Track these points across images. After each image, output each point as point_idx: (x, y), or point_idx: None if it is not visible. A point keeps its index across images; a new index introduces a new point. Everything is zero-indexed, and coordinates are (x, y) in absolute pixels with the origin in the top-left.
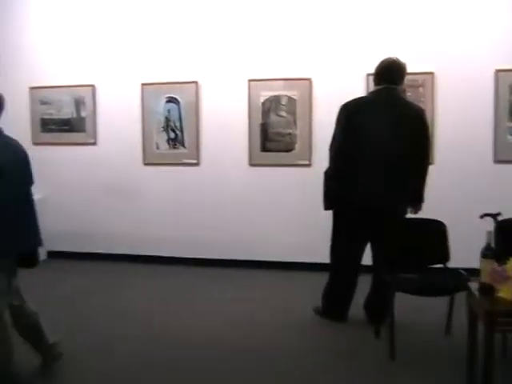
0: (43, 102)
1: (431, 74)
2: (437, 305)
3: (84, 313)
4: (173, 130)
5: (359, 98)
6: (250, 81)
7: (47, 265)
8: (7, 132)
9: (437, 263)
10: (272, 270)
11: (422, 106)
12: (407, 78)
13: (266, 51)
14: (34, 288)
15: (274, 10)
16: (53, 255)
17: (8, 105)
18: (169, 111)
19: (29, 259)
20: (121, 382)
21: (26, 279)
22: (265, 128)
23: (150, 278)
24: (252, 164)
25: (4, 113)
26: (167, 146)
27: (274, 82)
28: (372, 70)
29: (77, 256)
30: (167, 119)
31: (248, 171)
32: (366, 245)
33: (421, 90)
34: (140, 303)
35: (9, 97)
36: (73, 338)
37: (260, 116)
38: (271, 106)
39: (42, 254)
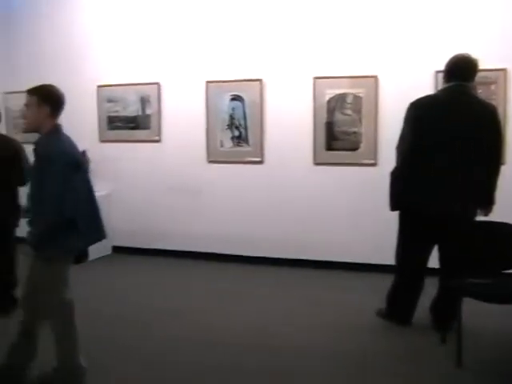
0: (110, 100)
1: (504, 70)
2: (507, 310)
3: (139, 309)
4: (237, 128)
5: (428, 96)
6: (315, 78)
7: (111, 259)
8: (77, 130)
9: (508, 268)
10: (337, 271)
11: (493, 103)
12: (478, 74)
13: (331, 48)
14: (96, 281)
15: (340, 6)
16: (117, 250)
17: (77, 103)
18: (233, 109)
19: (82, 254)
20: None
21: (89, 272)
22: (330, 126)
23: (212, 275)
24: (316, 163)
25: (73, 111)
26: (231, 144)
27: (340, 80)
28: (441, 67)
29: (140, 252)
30: (231, 117)
31: (312, 170)
32: (432, 247)
33: (493, 87)
34: (201, 301)
35: (77, 95)
36: (124, 336)
37: (325, 114)
38: (336, 104)
39: (107, 248)
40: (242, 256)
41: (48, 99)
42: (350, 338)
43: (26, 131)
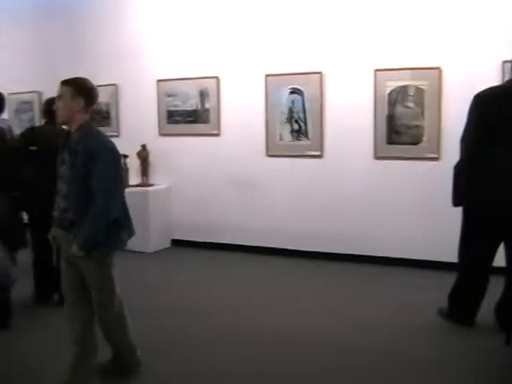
0: (169, 94)
1: None
2: None
3: (197, 301)
4: (296, 122)
5: (494, 88)
6: (375, 71)
7: (170, 252)
8: (138, 124)
9: None
10: (397, 267)
11: None
12: None
13: (392, 39)
14: (154, 274)
15: None
16: (176, 243)
17: (137, 98)
18: (292, 102)
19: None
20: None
21: (147, 265)
22: (391, 120)
23: (271, 270)
24: (377, 157)
25: (134, 105)
26: (291, 138)
27: (401, 72)
28: (508, 57)
29: (199, 245)
30: (291, 110)
31: (373, 164)
32: (498, 245)
33: None
34: (258, 297)
35: (138, 90)
36: (183, 326)
37: (386, 107)
38: (398, 96)
39: (167, 241)
40: (299, 251)
41: (82, 91)
42: (410, 337)
43: (60, 124)
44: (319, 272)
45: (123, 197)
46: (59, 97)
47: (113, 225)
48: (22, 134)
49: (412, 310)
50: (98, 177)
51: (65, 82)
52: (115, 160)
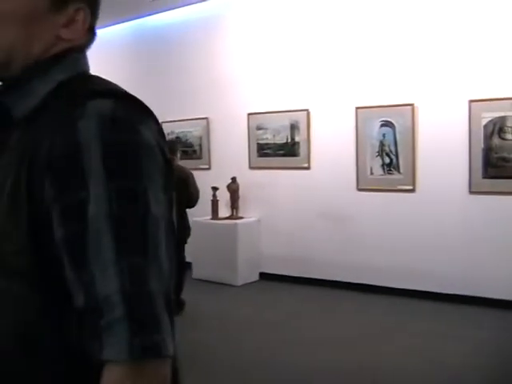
0: (259, 128)
1: None
2: None
3: (286, 338)
4: (387, 155)
5: None
6: (470, 101)
7: (258, 286)
8: (229, 157)
9: None
10: (483, 307)
11: None
12: None
13: (488, 69)
14: (244, 308)
15: (495, 25)
16: (264, 277)
17: (228, 131)
18: (383, 135)
19: None
20: None
21: (236, 298)
22: (487, 152)
23: (363, 307)
24: (472, 191)
25: (225, 138)
26: (382, 172)
27: (499, 102)
28: None
29: (287, 279)
30: (382, 143)
31: (468, 199)
32: None
33: None
34: (349, 333)
35: (229, 123)
36: (268, 365)
37: (482, 139)
38: (495, 128)
39: (255, 275)
40: (390, 288)
41: None
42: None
43: None
44: (415, 311)
45: None
46: None
47: None
48: None
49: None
50: None
51: None
52: None
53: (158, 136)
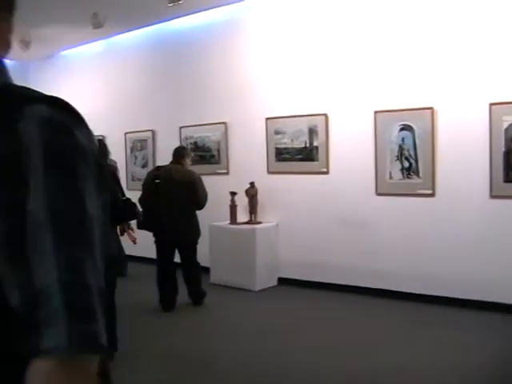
0: (278, 132)
1: None
2: None
3: (304, 344)
4: (407, 159)
5: None
6: (491, 105)
7: (277, 291)
8: (247, 161)
9: None
10: (499, 313)
11: None
12: None
13: (509, 70)
14: (263, 314)
15: (508, 26)
16: (282, 281)
17: (246, 135)
18: (403, 139)
19: None
20: None
21: (254, 303)
22: (508, 156)
23: (382, 312)
24: (493, 196)
25: (243, 143)
26: (401, 176)
27: None
28: None
29: (305, 284)
30: (401, 148)
31: (489, 204)
32: None
33: None
34: (365, 339)
35: (247, 127)
36: (286, 372)
37: (503, 143)
38: None
39: (273, 280)
40: (410, 293)
41: None
42: None
43: None
44: (435, 317)
45: None
46: None
47: None
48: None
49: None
50: None
51: None
52: None
53: (89, 140)
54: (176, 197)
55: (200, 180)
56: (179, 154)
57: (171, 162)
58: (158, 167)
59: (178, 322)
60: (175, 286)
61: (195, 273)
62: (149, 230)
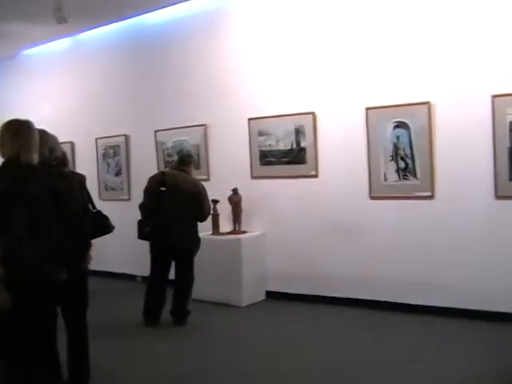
0: (261, 133)
1: None
2: None
3: (295, 363)
4: (402, 159)
5: None
6: (493, 97)
7: (265, 306)
8: (229, 166)
9: None
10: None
11: None
12: None
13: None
14: (250, 332)
15: (509, 12)
16: (271, 295)
17: (228, 138)
18: (398, 138)
19: None
20: None
21: (241, 320)
22: None
23: (379, 327)
24: (498, 196)
25: (224, 146)
26: (396, 177)
27: None
28: None
29: (296, 297)
30: (396, 147)
31: (494, 205)
32: None
33: None
34: (362, 355)
35: (228, 129)
36: None
37: (507, 138)
38: None
39: (261, 294)
40: (408, 304)
41: None
42: None
43: None
44: (440, 331)
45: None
46: None
47: None
48: None
49: None
50: None
51: None
52: None
53: None
54: (180, 206)
55: (204, 190)
56: (185, 161)
57: (175, 168)
58: (163, 172)
59: (161, 342)
60: (164, 298)
61: (188, 288)
62: (148, 238)
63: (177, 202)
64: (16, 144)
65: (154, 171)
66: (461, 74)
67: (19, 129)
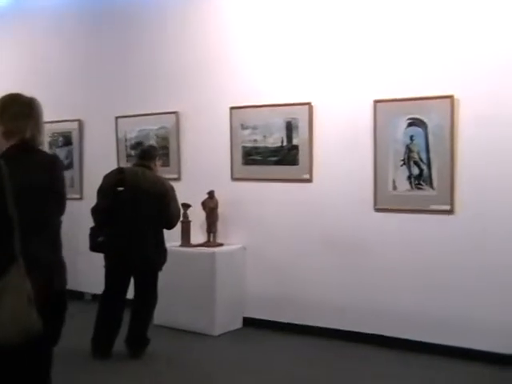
0: (245, 126)
1: None
2: None
3: None
4: (416, 164)
5: None
6: None
7: (241, 336)
8: (205, 166)
9: None
10: None
11: None
12: None
13: None
14: (221, 364)
15: None
16: (249, 323)
17: (204, 130)
18: (411, 138)
19: None
20: None
21: (214, 351)
22: None
23: (378, 365)
24: None
25: (200, 140)
26: (408, 186)
27: None
28: None
29: (279, 326)
30: (409, 149)
31: None
32: None
33: None
34: None
35: (205, 119)
36: None
37: None
38: None
39: (238, 321)
40: (422, 343)
41: None
42: None
43: None
44: (451, 372)
45: None
46: None
47: None
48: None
49: None
50: None
51: None
52: None
53: None
54: (142, 211)
55: (173, 190)
56: (149, 154)
57: (136, 164)
58: (122, 169)
59: (111, 380)
60: (119, 323)
61: (149, 310)
62: (102, 251)
63: (138, 204)
64: None
65: (113, 166)
66: (491, 63)
67: None
